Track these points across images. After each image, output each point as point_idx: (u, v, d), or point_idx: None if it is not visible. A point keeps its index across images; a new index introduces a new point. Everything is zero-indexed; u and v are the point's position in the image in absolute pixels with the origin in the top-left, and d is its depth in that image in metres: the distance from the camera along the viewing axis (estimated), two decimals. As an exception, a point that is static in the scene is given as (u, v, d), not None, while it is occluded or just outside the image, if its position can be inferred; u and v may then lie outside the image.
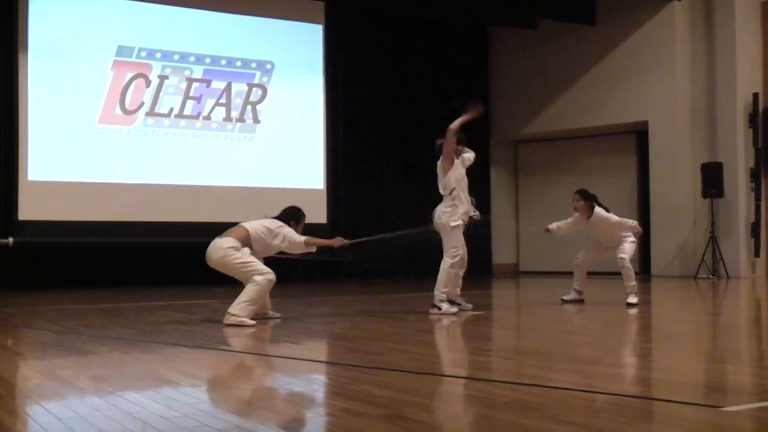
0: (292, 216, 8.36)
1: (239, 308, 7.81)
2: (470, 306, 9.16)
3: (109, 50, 14.54)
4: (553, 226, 10.15)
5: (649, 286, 14.32)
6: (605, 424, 3.70)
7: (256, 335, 7.35)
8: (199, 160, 15.13)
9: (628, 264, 9.74)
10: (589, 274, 10.32)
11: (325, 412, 4.14)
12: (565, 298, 10.14)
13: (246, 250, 8.02)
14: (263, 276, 7.91)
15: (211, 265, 8.10)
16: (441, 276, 8.88)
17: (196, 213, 14.83)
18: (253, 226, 8.15)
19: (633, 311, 9.13)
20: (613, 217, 9.89)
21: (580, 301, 10.06)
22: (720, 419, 3.68)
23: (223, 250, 7.96)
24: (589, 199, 9.88)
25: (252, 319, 7.90)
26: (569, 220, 10.09)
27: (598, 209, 9.84)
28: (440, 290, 8.85)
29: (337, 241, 8.45)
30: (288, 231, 8.14)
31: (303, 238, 8.13)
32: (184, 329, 7.63)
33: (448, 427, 3.74)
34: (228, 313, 7.83)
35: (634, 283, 9.74)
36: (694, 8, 16.52)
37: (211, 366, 5.57)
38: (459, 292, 9.12)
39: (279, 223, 8.21)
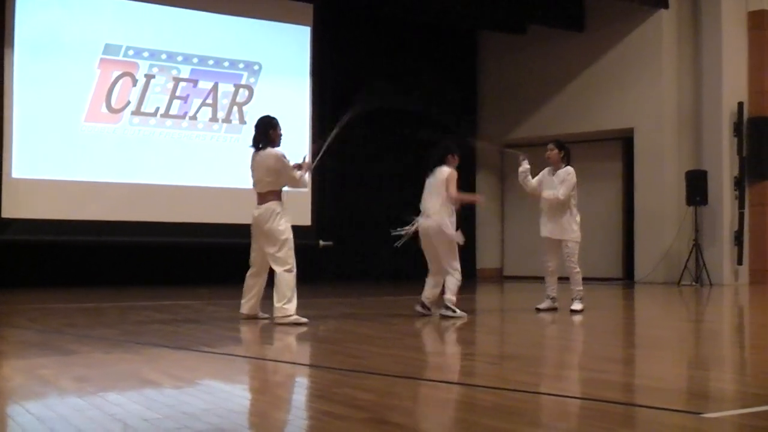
0: (269, 127, 8.16)
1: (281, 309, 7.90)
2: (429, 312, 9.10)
3: (96, 48, 14.46)
4: (528, 167, 9.95)
5: (632, 292, 14.37)
6: (588, 430, 3.71)
7: (239, 337, 7.33)
8: (185, 160, 15.08)
9: (578, 268, 9.62)
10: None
11: (307, 415, 4.14)
12: (539, 307, 9.87)
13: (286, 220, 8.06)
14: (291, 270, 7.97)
15: (258, 235, 8.11)
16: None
17: (181, 213, 14.79)
18: (263, 179, 8.06)
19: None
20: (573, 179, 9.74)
21: (554, 309, 9.80)
22: (702, 426, 3.69)
23: (272, 214, 7.97)
24: (563, 149, 9.86)
25: (245, 318, 8.11)
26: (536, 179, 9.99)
27: (569, 167, 9.77)
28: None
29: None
30: (291, 171, 8.10)
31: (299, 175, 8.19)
32: (167, 330, 7.61)
33: (430, 432, 3.75)
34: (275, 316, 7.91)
35: (581, 288, 9.64)
36: (682, 17, 16.58)
37: (193, 367, 5.55)
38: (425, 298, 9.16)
39: (278, 157, 8.06)
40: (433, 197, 9.05)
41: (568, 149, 9.95)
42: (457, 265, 9.07)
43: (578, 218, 9.83)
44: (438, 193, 9.00)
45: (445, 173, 9.01)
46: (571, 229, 9.73)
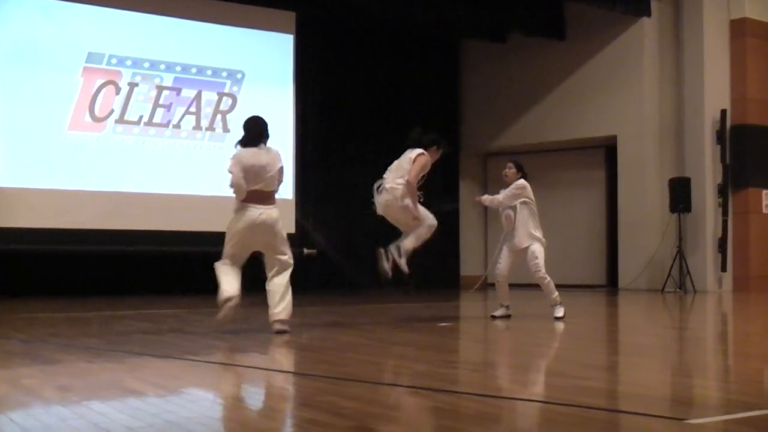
0: (266, 126, 7.78)
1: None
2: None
3: (80, 57, 14.43)
4: (486, 197, 10.11)
5: (616, 299, 14.40)
6: (571, 437, 3.72)
7: (223, 345, 7.32)
8: (169, 168, 15.04)
9: (547, 277, 9.57)
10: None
11: (291, 423, 4.13)
12: (495, 314, 9.79)
13: None
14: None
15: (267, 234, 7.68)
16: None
17: (165, 222, 14.74)
18: (275, 178, 7.69)
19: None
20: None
21: (508, 317, 9.72)
22: (685, 432, 3.71)
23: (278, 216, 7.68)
24: (521, 170, 9.85)
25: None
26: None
27: (522, 180, 9.77)
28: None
29: None
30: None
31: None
32: (151, 338, 7.59)
33: (415, 439, 3.75)
34: (276, 321, 7.67)
35: (556, 294, 9.58)
36: (664, 25, 16.66)
37: (177, 376, 5.53)
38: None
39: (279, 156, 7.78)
40: (395, 173, 9.12)
41: (525, 171, 9.93)
42: (425, 213, 8.91)
43: (536, 223, 9.77)
44: (401, 171, 9.04)
45: (415, 154, 8.98)
46: (533, 235, 9.69)
